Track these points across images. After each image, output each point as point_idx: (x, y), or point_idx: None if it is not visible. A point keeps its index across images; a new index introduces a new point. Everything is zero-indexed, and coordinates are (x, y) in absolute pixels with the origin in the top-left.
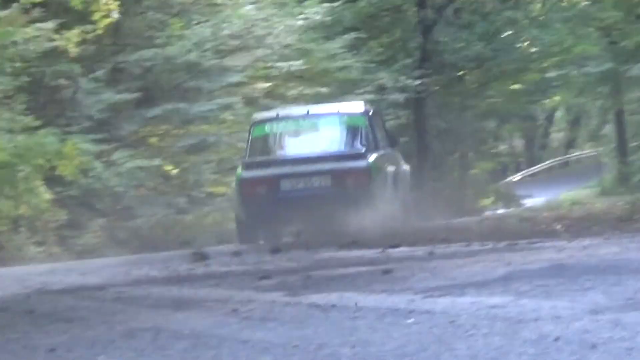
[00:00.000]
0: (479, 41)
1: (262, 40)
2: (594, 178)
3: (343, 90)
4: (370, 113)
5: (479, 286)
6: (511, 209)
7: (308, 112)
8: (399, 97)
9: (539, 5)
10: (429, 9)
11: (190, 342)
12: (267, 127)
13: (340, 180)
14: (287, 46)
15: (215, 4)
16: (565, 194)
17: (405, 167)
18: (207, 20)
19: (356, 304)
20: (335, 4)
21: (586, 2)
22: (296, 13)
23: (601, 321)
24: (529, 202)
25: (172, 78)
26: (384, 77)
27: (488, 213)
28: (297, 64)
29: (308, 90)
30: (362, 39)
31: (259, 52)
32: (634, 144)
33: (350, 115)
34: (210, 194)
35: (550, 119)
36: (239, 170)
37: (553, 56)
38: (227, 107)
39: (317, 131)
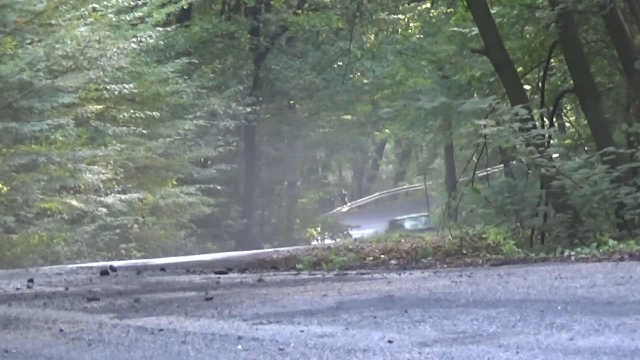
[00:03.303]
0: (311, 71)
1: (95, 62)
2: (422, 211)
3: (174, 114)
4: None
5: (308, 315)
6: (339, 240)
7: None
8: (230, 123)
9: (372, 37)
10: (262, 37)
11: None
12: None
13: None
14: (119, 69)
15: (50, 24)
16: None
17: None
18: (40, 40)
19: (184, 328)
20: (169, 28)
21: (419, 36)
22: (130, 36)
23: (430, 354)
24: (357, 234)
25: (3, 97)
26: (215, 103)
27: (315, 242)
28: (129, 87)
29: (139, 113)
30: (195, 64)
31: (92, 74)
32: (463, 178)
33: None
34: (39, 214)
35: (380, 151)
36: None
37: (385, 88)
38: (58, 127)
39: None
